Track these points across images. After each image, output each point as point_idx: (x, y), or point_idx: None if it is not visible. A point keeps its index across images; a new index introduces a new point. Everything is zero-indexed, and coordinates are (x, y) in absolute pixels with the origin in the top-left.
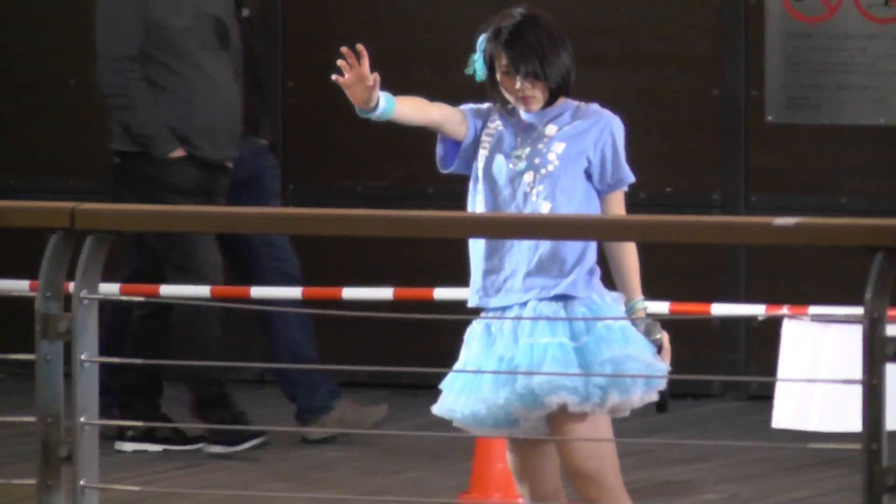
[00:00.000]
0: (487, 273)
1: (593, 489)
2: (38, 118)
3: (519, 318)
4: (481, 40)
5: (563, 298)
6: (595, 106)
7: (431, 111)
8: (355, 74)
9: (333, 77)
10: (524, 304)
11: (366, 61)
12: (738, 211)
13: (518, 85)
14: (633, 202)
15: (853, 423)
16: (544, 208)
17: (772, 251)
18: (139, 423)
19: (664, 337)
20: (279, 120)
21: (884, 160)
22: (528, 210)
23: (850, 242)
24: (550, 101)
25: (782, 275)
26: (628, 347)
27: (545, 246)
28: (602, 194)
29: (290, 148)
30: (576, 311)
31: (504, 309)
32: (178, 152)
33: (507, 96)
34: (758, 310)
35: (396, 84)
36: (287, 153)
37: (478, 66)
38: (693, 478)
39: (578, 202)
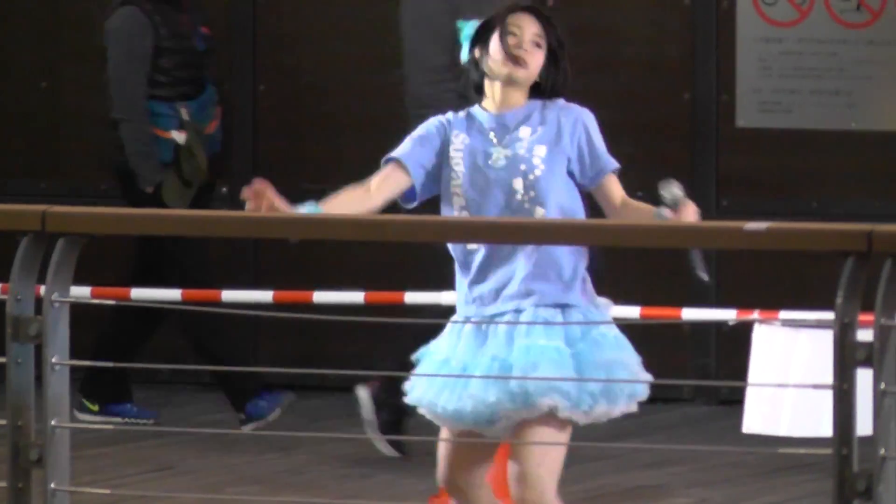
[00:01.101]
0: (478, 282)
1: (531, 494)
2: (9, 121)
3: (514, 322)
4: (467, 28)
5: (561, 306)
6: (561, 101)
7: (374, 201)
8: (266, 206)
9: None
10: (520, 310)
11: (270, 193)
12: (709, 215)
13: (522, 44)
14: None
15: (824, 428)
16: (538, 214)
17: (743, 256)
18: (109, 426)
19: (680, 190)
20: (250, 123)
21: (855, 165)
22: (524, 216)
23: (820, 247)
24: (532, 93)
25: (753, 279)
26: (620, 354)
27: (540, 250)
28: (587, 187)
29: (260, 152)
30: (572, 318)
31: (500, 314)
32: None
33: (497, 60)
34: (728, 314)
35: (369, 89)
36: (258, 157)
37: (464, 43)
38: (664, 482)
39: (567, 204)
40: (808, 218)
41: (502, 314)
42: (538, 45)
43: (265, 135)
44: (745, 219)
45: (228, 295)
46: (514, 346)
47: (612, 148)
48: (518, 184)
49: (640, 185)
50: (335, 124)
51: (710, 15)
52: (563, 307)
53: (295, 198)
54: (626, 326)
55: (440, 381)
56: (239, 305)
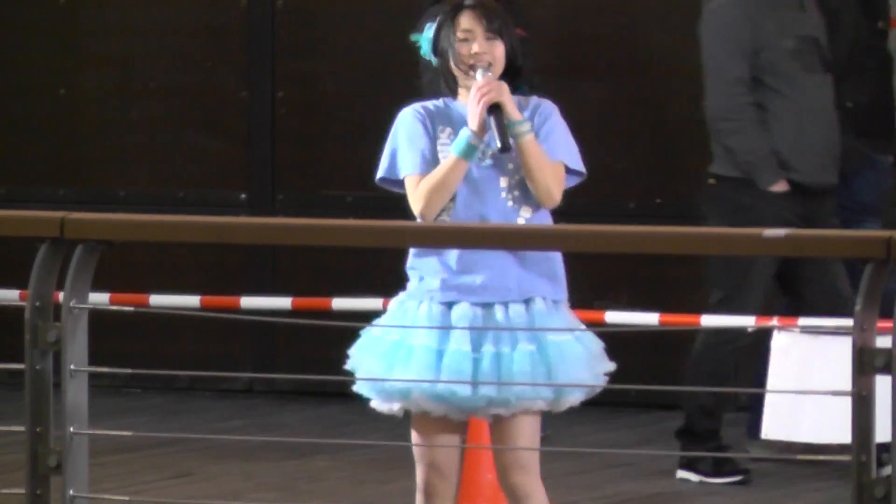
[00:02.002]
0: (465, 272)
1: (524, 477)
2: (29, 128)
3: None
4: (424, 36)
5: (553, 301)
6: (535, 98)
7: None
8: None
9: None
10: (523, 301)
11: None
12: None
13: (475, 49)
14: (622, 213)
15: (844, 434)
16: (525, 213)
17: None
18: (128, 433)
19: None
20: (270, 131)
21: None
22: (509, 217)
23: (840, 254)
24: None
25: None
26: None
27: None
28: None
29: (280, 158)
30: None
31: (491, 304)
32: (781, 185)
33: (461, 70)
34: (748, 321)
35: (385, 95)
36: (278, 163)
37: (424, 44)
38: (682, 489)
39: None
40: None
41: (493, 304)
42: (494, 38)
43: (283, 141)
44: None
45: (247, 301)
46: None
47: (631, 154)
48: (504, 182)
49: (660, 191)
50: (353, 131)
51: None
52: (554, 301)
53: (314, 204)
54: (644, 333)
55: (420, 364)
56: (257, 312)
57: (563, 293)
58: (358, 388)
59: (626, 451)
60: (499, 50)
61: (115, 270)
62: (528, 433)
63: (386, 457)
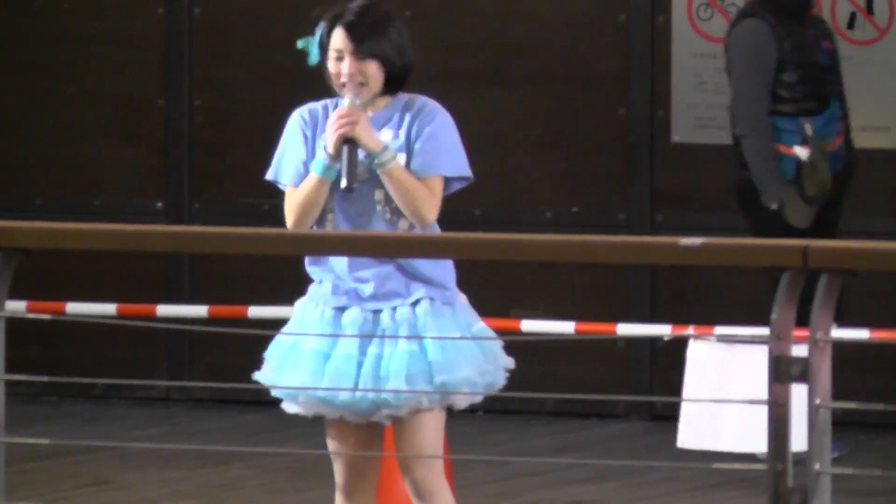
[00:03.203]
0: (350, 278)
1: (427, 473)
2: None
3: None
4: (311, 45)
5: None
6: (422, 100)
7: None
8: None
9: None
10: (410, 304)
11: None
12: (644, 231)
13: (345, 69)
14: (538, 221)
15: (760, 443)
16: (403, 224)
17: (678, 271)
18: (45, 441)
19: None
20: (186, 139)
21: None
22: (388, 227)
23: (756, 263)
24: (388, 91)
25: (689, 295)
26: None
27: None
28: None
29: (196, 166)
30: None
31: (379, 310)
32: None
33: (336, 88)
34: (663, 330)
35: (301, 104)
36: (194, 171)
37: (312, 50)
38: (599, 497)
39: None
40: (744, 234)
41: (380, 310)
42: (366, 58)
43: (200, 149)
44: (681, 234)
45: (163, 310)
46: (427, 342)
47: (548, 163)
48: (379, 195)
49: (576, 200)
50: (270, 139)
51: (645, 31)
52: (444, 303)
53: (230, 213)
54: (560, 341)
55: (324, 371)
56: (174, 320)
57: (452, 295)
58: (273, 392)
59: (543, 460)
60: (371, 68)
61: (33, 279)
62: (426, 429)
63: (303, 465)
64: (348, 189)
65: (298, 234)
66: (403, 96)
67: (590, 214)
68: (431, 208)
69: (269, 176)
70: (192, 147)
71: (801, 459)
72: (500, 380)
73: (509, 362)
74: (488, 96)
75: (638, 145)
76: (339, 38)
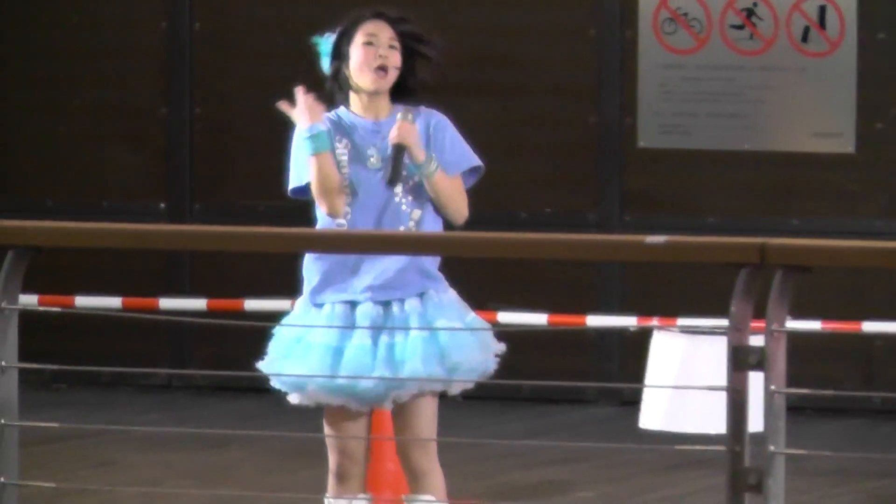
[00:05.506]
0: (357, 273)
1: (423, 456)
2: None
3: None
4: (323, 43)
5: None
6: (424, 109)
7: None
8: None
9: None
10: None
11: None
12: (612, 230)
13: (380, 51)
14: (514, 222)
15: (719, 426)
16: (415, 216)
17: (645, 268)
18: (55, 425)
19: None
20: (187, 145)
21: (748, 183)
22: (402, 219)
23: (716, 259)
24: (398, 93)
25: (655, 289)
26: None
27: None
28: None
29: (197, 170)
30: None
31: (389, 302)
32: None
33: (360, 73)
34: (630, 321)
35: None
36: (195, 175)
37: (323, 50)
38: (569, 478)
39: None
40: (706, 232)
41: (389, 302)
42: (394, 48)
43: (200, 154)
44: (647, 233)
45: (165, 303)
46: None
47: (524, 167)
48: (399, 187)
49: (549, 202)
50: (265, 145)
51: (614, 44)
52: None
53: (228, 213)
54: (534, 332)
55: (340, 363)
56: (175, 312)
57: (446, 287)
58: (272, 383)
59: (515, 442)
60: (395, 61)
61: (44, 275)
62: (426, 414)
63: (295, 447)
64: (390, 183)
65: (291, 232)
66: (399, 106)
67: (563, 215)
68: (467, 205)
69: (291, 185)
70: (192, 153)
71: (758, 440)
72: (493, 365)
73: (501, 347)
74: (472, 105)
75: (607, 151)
76: (374, 24)
